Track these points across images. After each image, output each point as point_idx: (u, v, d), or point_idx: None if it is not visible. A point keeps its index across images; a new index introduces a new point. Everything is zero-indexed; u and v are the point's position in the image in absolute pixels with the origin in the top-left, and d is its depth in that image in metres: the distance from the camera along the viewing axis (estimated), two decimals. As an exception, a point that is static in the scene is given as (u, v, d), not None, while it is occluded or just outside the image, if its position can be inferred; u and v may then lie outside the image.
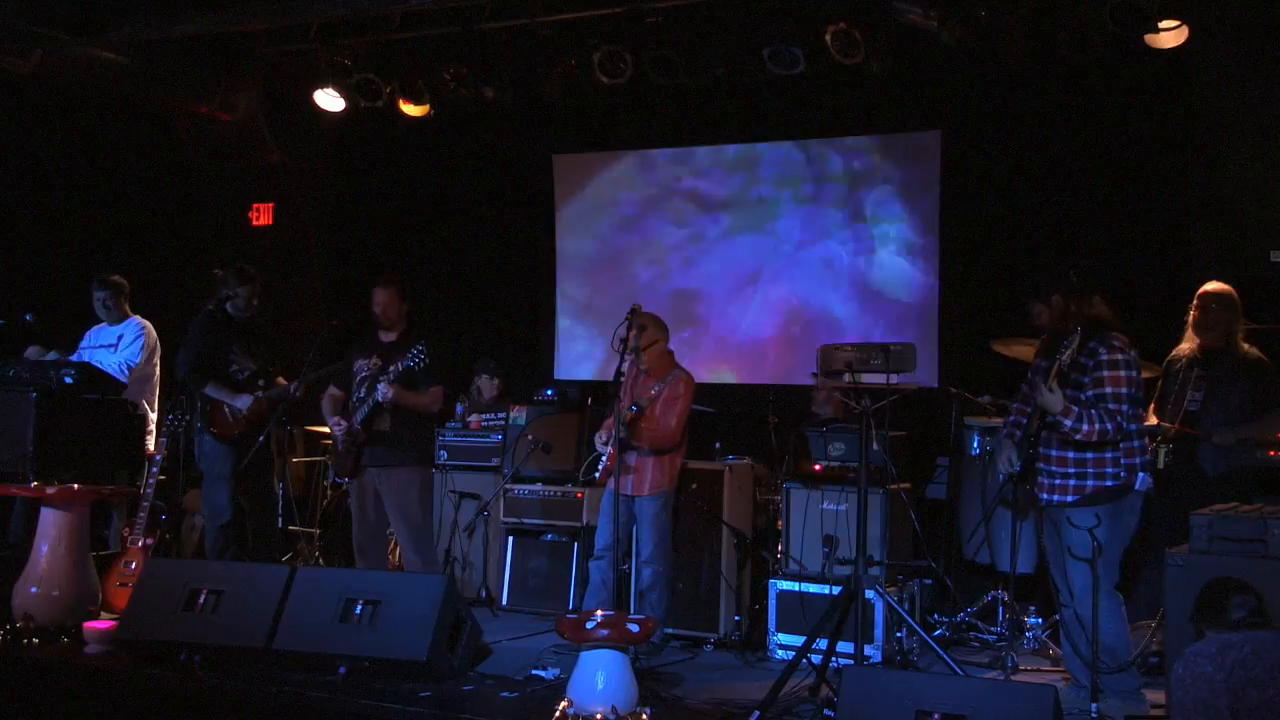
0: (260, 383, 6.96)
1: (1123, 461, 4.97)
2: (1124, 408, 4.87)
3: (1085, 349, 4.96)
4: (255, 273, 7.19)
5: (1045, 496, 5.09)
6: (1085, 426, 4.83)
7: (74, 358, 7.33)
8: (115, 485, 6.84)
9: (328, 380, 6.72)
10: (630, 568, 6.39)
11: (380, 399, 6.21)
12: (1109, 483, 4.95)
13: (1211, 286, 5.90)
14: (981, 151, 7.95)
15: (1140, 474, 4.99)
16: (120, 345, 7.32)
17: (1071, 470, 5.00)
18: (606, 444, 6.20)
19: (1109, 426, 4.82)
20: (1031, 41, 6.76)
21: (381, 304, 6.49)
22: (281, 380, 7.06)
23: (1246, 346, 5.86)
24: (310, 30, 8.21)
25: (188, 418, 6.99)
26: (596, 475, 6.30)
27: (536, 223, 9.42)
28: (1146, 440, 5.15)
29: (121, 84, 8.49)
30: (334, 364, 6.70)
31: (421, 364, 6.14)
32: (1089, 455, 4.97)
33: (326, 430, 7.11)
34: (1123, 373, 4.91)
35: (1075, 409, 4.85)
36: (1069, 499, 5.00)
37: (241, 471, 6.90)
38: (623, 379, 5.97)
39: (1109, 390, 4.88)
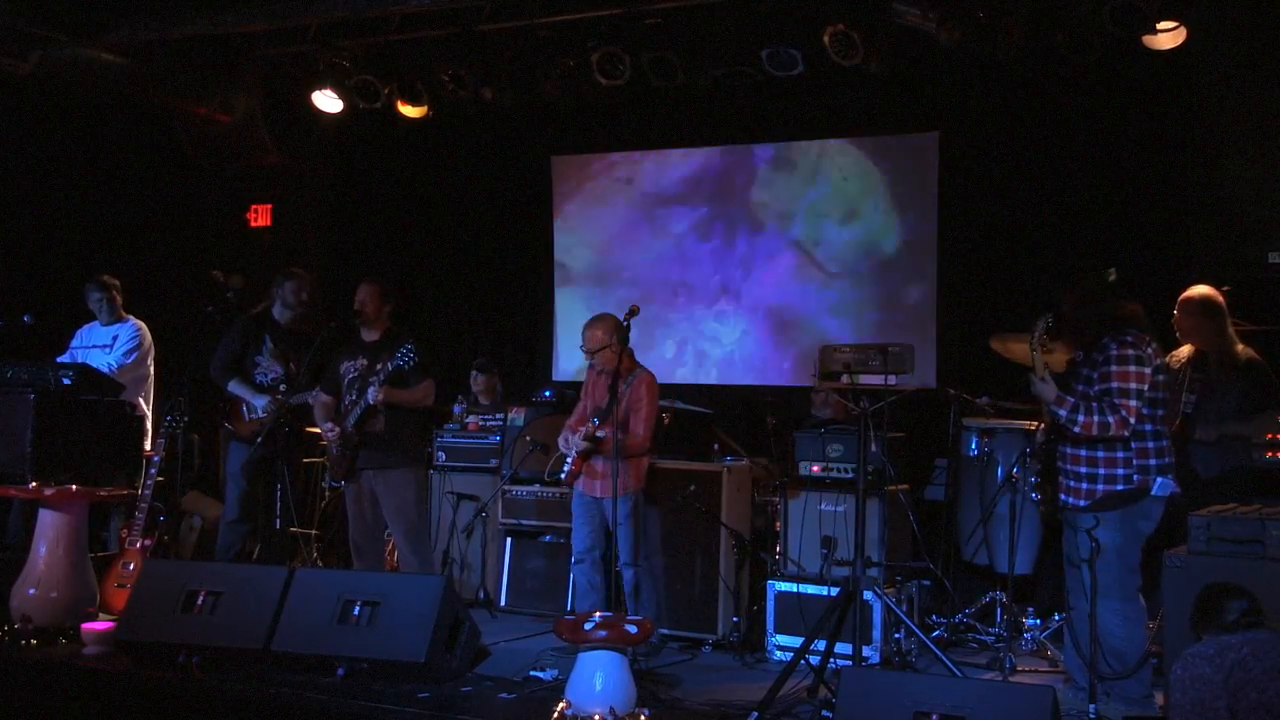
0: (282, 388, 6.97)
1: (1135, 463, 4.86)
2: (1130, 403, 4.76)
3: (1099, 345, 4.90)
4: (302, 271, 7.28)
5: (1062, 498, 5.02)
6: (1082, 418, 4.76)
7: (65, 358, 7.33)
8: (113, 486, 6.84)
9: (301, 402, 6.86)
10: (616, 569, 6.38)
11: (371, 401, 6.22)
12: (1119, 486, 4.85)
13: (1190, 292, 5.81)
14: (980, 153, 7.94)
15: (1159, 479, 4.86)
16: (115, 345, 7.32)
17: (1084, 470, 4.91)
18: (570, 446, 6.20)
19: (1109, 420, 4.73)
20: (1030, 42, 6.75)
21: (361, 299, 6.50)
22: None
23: (1241, 347, 5.80)
24: (309, 31, 8.21)
25: (186, 418, 7.01)
26: (562, 476, 6.28)
27: (535, 224, 9.41)
28: (1166, 443, 4.99)
29: (121, 85, 8.48)
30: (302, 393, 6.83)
31: (410, 362, 6.16)
32: (1099, 454, 4.88)
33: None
34: (1132, 368, 4.79)
35: (1071, 399, 4.79)
36: (1081, 503, 4.92)
37: (254, 472, 6.93)
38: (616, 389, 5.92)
39: (1115, 385, 4.78)
